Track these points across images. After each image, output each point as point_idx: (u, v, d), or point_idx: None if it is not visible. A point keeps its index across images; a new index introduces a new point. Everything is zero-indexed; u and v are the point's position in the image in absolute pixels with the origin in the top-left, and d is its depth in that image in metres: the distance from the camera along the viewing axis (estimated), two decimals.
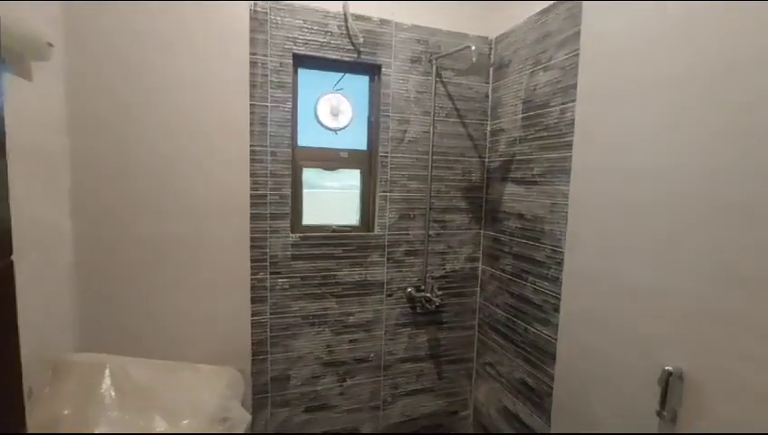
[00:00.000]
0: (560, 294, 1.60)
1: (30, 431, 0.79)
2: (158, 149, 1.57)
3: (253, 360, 1.82)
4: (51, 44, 1.08)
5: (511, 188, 1.92)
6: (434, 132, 1.98)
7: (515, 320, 1.88)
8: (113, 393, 0.97)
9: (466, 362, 2.24)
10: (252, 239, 1.75)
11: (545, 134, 1.68)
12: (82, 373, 1.06)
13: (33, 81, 1.12)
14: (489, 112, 2.09)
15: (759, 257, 0.96)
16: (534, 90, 1.75)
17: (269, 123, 1.75)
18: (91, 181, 1.49)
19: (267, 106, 1.74)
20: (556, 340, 1.62)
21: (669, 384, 1.17)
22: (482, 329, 2.18)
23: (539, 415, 1.73)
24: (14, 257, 0.60)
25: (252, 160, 1.72)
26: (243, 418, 1.12)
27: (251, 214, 1.74)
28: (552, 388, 1.66)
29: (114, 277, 1.52)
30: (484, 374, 2.16)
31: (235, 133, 1.68)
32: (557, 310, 1.61)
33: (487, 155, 2.11)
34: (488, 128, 2.10)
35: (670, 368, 1.16)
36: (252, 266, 1.76)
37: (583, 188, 1.50)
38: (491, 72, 2.07)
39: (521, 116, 1.84)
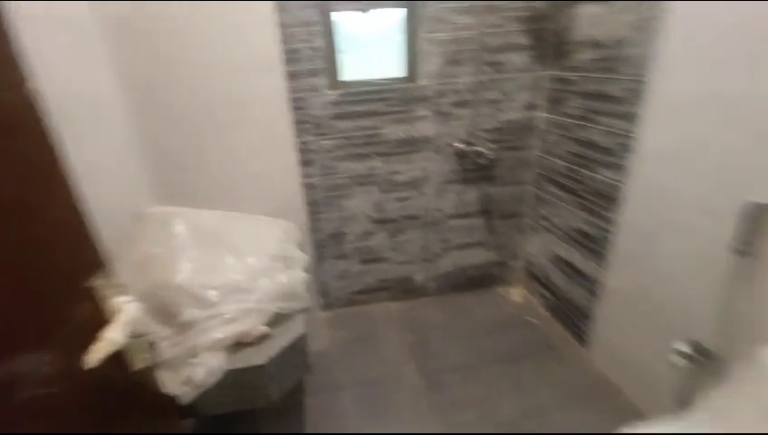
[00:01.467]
0: (635, 133, 1.40)
1: (123, 270, 0.88)
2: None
3: (309, 219, 1.92)
4: None
5: (586, 9, 1.56)
6: None
7: (578, 169, 1.74)
8: (188, 237, 1.06)
9: (519, 216, 2.21)
10: (291, 100, 1.65)
11: None
12: (159, 222, 1.15)
13: None
14: None
15: None
16: None
17: None
18: (134, 52, 1.39)
19: None
20: (623, 184, 1.49)
21: (752, 217, 1.04)
22: (538, 183, 2.07)
23: (595, 260, 1.71)
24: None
25: (276, 9, 1.50)
26: (301, 257, 1.21)
27: (286, 71, 1.60)
28: (610, 233, 1.59)
29: (166, 142, 1.53)
30: (537, 227, 2.14)
31: None
32: (628, 150, 1.44)
33: None
34: None
35: (758, 200, 1.02)
36: (296, 128, 1.71)
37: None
38: None
39: None
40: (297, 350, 1.05)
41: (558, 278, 2.00)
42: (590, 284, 1.76)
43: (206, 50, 1.39)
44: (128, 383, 0.70)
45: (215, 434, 1.26)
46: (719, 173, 1.14)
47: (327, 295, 2.16)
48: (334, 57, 1.72)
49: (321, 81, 1.68)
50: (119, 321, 0.61)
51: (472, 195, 2.09)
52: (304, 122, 1.73)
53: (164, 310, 0.99)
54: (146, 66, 1.37)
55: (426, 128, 1.87)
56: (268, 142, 1.56)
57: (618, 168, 1.50)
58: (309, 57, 1.63)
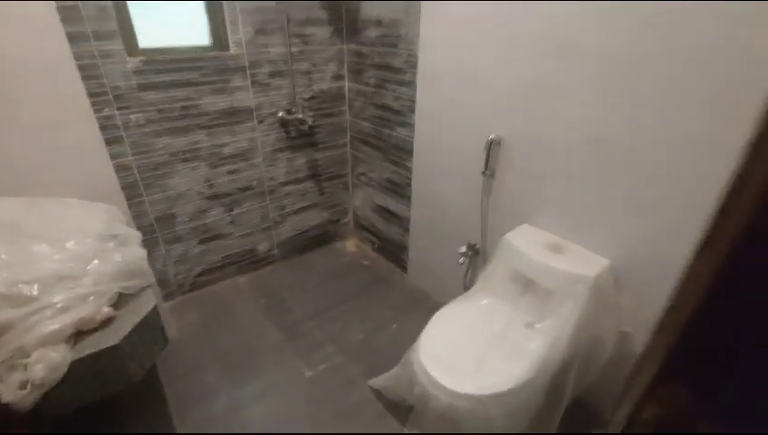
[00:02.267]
0: (414, 97, 1.81)
1: None
2: None
3: (129, 204, 1.75)
4: None
5: None
6: None
7: (380, 129, 2.11)
8: None
9: (343, 176, 2.51)
10: (79, 67, 1.45)
11: None
12: None
13: None
14: None
15: (563, 38, 1.23)
16: None
17: None
18: None
19: None
20: (412, 138, 1.92)
21: (491, 149, 1.56)
22: (353, 144, 2.39)
23: (403, 202, 2.15)
24: None
25: None
26: (133, 234, 1.16)
27: (67, 32, 1.39)
28: (410, 179, 2.03)
29: None
30: (358, 184, 2.49)
31: None
32: (413, 111, 1.85)
33: None
34: None
35: (492, 136, 1.53)
36: (93, 102, 1.51)
37: None
38: None
39: None
40: (151, 324, 1.04)
41: (380, 224, 2.41)
42: (402, 222, 2.21)
43: None
44: None
45: None
46: (467, 122, 1.63)
47: (167, 284, 2.03)
48: (129, 20, 1.57)
49: (116, 45, 1.52)
50: None
51: (300, 161, 2.27)
52: (102, 94, 1.54)
53: None
54: None
55: (246, 98, 1.92)
56: (60, 116, 1.36)
57: (408, 125, 1.91)
58: (95, 17, 1.45)
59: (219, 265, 2.20)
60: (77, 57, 1.44)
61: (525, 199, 1.52)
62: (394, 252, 2.37)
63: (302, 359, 1.77)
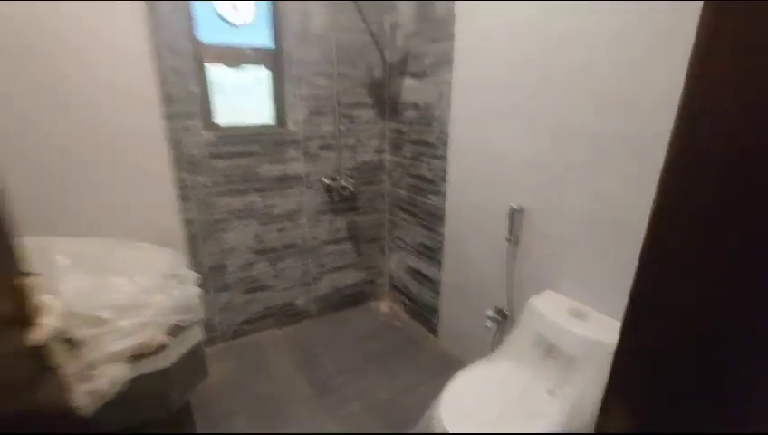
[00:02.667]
0: (446, 168, 1.99)
1: None
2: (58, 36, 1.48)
3: (189, 252, 2.00)
4: None
5: (408, 82, 2.17)
6: (336, 27, 2.07)
7: (415, 197, 2.28)
8: (68, 262, 1.12)
9: (380, 239, 2.67)
10: (168, 139, 1.80)
11: (434, 27, 1.91)
12: (36, 251, 1.17)
13: None
14: (387, 7, 2.22)
15: (572, 120, 1.38)
16: None
17: (161, 13, 1.69)
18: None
19: None
20: (444, 205, 2.06)
21: (514, 217, 1.66)
22: (390, 210, 2.58)
23: (434, 266, 2.24)
24: None
25: (153, 55, 1.69)
26: (191, 275, 1.35)
27: (163, 113, 1.76)
28: (442, 243, 2.14)
29: (51, 169, 1.53)
30: (394, 247, 2.62)
31: (127, 20, 1.61)
32: (444, 180, 2.02)
33: (387, 51, 2.29)
34: (386, 24, 2.25)
35: (515, 205, 1.63)
36: (174, 165, 1.84)
37: (462, 77, 1.80)
38: None
39: (414, 11, 2.02)
40: (196, 355, 1.18)
41: (412, 286, 2.49)
42: (433, 285, 2.27)
43: (91, 88, 1.50)
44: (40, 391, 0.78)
45: None
46: (491, 190, 1.75)
47: (212, 329, 2.20)
48: (209, 102, 1.95)
49: (196, 123, 1.88)
50: (49, 313, 0.73)
51: (341, 223, 2.47)
52: (182, 160, 1.87)
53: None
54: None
55: (297, 167, 2.21)
56: (147, 176, 1.68)
57: (440, 194, 2.07)
58: (184, 100, 1.82)
59: (260, 315, 2.35)
60: (166, 130, 1.80)
61: (548, 266, 1.56)
62: (425, 315, 2.40)
63: (329, 414, 1.79)
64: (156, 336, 1.12)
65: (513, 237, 1.68)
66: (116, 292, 1.17)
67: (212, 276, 2.13)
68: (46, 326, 0.70)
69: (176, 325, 1.19)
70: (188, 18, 1.76)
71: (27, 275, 0.75)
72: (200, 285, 2.05)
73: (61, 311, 0.77)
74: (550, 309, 1.43)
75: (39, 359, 0.75)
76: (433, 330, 2.35)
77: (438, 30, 1.88)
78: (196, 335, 1.19)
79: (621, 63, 1.20)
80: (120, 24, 1.59)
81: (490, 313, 1.82)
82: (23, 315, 0.71)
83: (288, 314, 2.45)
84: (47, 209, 1.56)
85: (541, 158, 1.50)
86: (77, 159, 1.59)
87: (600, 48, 1.25)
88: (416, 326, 2.48)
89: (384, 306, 2.73)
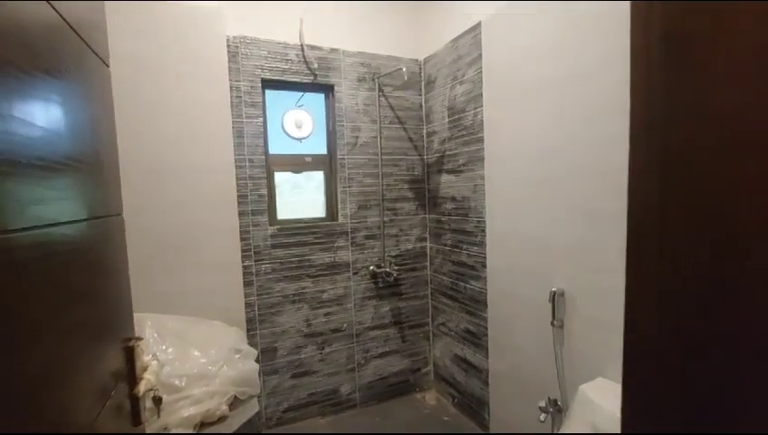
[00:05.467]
0: (485, 254, 2.10)
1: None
2: (163, 156, 1.89)
3: (248, 334, 2.16)
4: None
5: (445, 178, 2.42)
6: (381, 137, 2.44)
7: (457, 282, 2.37)
8: (156, 335, 1.30)
9: (424, 325, 2.69)
10: (240, 233, 2.10)
11: (465, 133, 2.20)
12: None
13: None
14: (424, 118, 2.60)
15: (601, 205, 1.50)
16: (455, 99, 2.26)
17: (245, 135, 2.12)
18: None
19: (243, 121, 2.11)
20: (485, 290, 2.12)
21: (556, 301, 1.69)
22: (433, 296, 2.65)
23: (480, 353, 2.21)
24: None
25: (236, 166, 2.08)
26: (251, 351, 1.48)
27: (238, 211, 2.09)
28: (486, 328, 2.14)
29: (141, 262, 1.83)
30: (438, 333, 2.63)
31: (221, 143, 2.03)
32: (485, 266, 2.11)
33: (425, 153, 2.61)
34: (424, 131, 2.60)
35: (555, 289, 1.68)
36: (242, 255, 2.11)
37: (494, 172, 2.02)
38: (422, 87, 2.58)
39: (447, 120, 2.35)
40: (253, 426, 1.26)
41: (459, 375, 2.42)
42: (481, 374, 2.22)
43: (186, 190, 1.87)
44: None
45: None
46: (532, 276, 1.82)
47: (257, 416, 2.23)
48: (274, 202, 2.28)
49: (263, 218, 2.18)
50: (149, 371, 0.89)
51: (385, 308, 2.56)
52: (248, 250, 2.14)
53: None
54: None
55: (345, 255, 2.41)
56: (222, 265, 1.94)
57: (481, 279, 2.15)
58: (256, 201, 2.16)
59: (304, 402, 2.36)
60: (240, 226, 2.10)
61: (597, 351, 1.53)
62: (474, 408, 2.29)
63: None
64: (219, 406, 1.23)
65: (558, 321, 1.69)
66: (192, 362, 1.32)
67: (263, 359, 2.23)
68: (148, 381, 0.86)
69: (236, 397, 1.30)
70: (263, 135, 2.18)
71: (138, 338, 0.93)
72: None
73: (157, 370, 0.92)
74: (603, 398, 1.38)
75: (136, 413, 0.89)
76: (483, 424, 2.22)
77: (469, 134, 2.16)
78: (252, 407, 1.28)
79: None
80: (214, 143, 2.02)
81: (542, 404, 1.74)
82: (133, 371, 0.87)
83: (332, 404, 2.43)
84: (139, 288, 1.81)
85: (572, 241, 1.59)
86: (165, 246, 1.89)
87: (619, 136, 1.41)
88: (465, 421, 2.35)
89: (430, 398, 2.63)
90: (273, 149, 2.29)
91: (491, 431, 2.16)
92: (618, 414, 1.29)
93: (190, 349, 1.33)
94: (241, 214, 2.11)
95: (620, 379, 1.42)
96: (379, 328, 2.55)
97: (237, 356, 1.39)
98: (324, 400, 2.41)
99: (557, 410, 1.72)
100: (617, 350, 1.45)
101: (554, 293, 1.68)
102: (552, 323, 1.70)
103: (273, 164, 2.28)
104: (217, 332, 1.52)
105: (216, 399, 1.22)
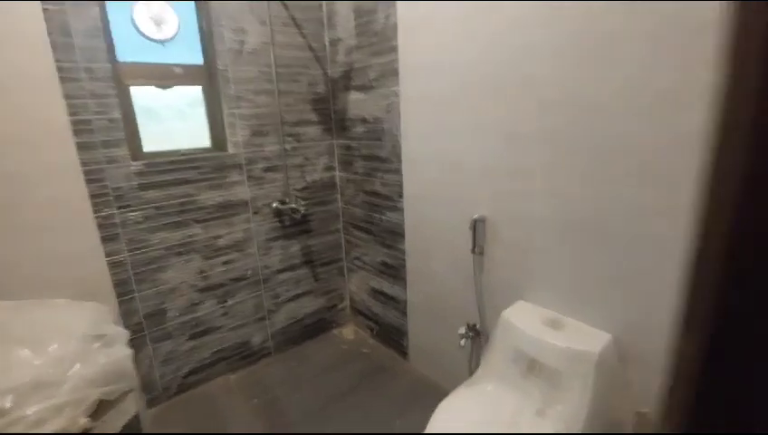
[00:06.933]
0: (401, 182, 1.92)
1: None
2: None
3: (119, 301, 1.73)
4: None
5: (353, 96, 2.08)
6: (273, 43, 1.94)
7: (372, 214, 2.18)
8: None
9: (338, 261, 2.52)
10: (85, 172, 1.55)
11: (375, 40, 1.85)
12: None
13: None
14: (325, 22, 2.14)
15: (525, 124, 1.36)
16: None
17: (73, 33, 1.47)
18: None
19: (66, 13, 1.45)
20: (402, 221, 1.98)
21: (477, 228, 1.61)
22: (346, 230, 2.45)
23: (398, 284, 2.14)
24: None
25: (62, 79, 1.46)
26: (120, 333, 1.13)
27: (76, 143, 1.52)
28: (404, 260, 2.05)
29: None
30: (353, 268, 2.49)
31: (26, 45, 1.38)
32: (401, 196, 1.94)
33: (329, 66, 2.20)
34: (326, 38, 2.16)
35: (477, 216, 1.58)
36: (94, 203, 1.59)
37: (410, 87, 1.75)
38: None
39: (354, 24, 1.95)
40: (132, 431, 0.97)
41: (377, 308, 2.36)
42: (399, 305, 2.17)
43: None
44: None
45: None
46: (452, 203, 1.70)
47: (152, 388, 1.91)
48: (135, 128, 1.72)
49: (122, 152, 1.64)
50: None
51: (295, 248, 2.30)
52: (103, 195, 1.62)
53: None
54: None
55: (242, 191, 2.02)
56: (62, 220, 1.42)
57: (397, 210, 1.99)
58: (105, 128, 1.59)
59: (209, 362, 2.09)
60: (84, 163, 1.55)
61: (518, 275, 1.52)
62: (394, 337, 2.28)
63: None
64: (75, 421, 0.90)
65: (478, 248, 1.63)
66: (20, 368, 0.93)
67: (149, 325, 1.85)
68: None
69: (102, 400, 0.97)
70: (102, 33, 1.54)
71: None
72: (135, 339, 1.79)
73: None
74: (524, 321, 1.38)
75: None
76: (403, 353, 2.23)
77: (380, 42, 1.82)
78: (128, 409, 0.97)
79: (575, 63, 1.19)
80: (11, 44, 1.35)
81: (462, 330, 1.74)
82: None
83: (242, 356, 2.21)
84: None
85: (498, 165, 1.47)
86: None
87: (552, 49, 1.24)
88: (385, 351, 2.35)
89: (349, 333, 2.56)
90: (123, 56, 1.67)
91: (410, 358, 2.18)
92: (540, 336, 1.30)
93: (16, 348, 0.92)
94: (84, 146, 1.55)
95: (540, 301, 1.41)
96: (289, 270, 2.30)
97: (97, 345, 1.03)
98: (233, 355, 2.17)
99: (476, 333, 1.74)
100: (537, 273, 1.42)
101: (475, 220, 1.59)
102: (473, 251, 1.64)
103: (125, 76, 1.67)
104: (61, 315, 1.10)
105: (67, 412, 0.88)
